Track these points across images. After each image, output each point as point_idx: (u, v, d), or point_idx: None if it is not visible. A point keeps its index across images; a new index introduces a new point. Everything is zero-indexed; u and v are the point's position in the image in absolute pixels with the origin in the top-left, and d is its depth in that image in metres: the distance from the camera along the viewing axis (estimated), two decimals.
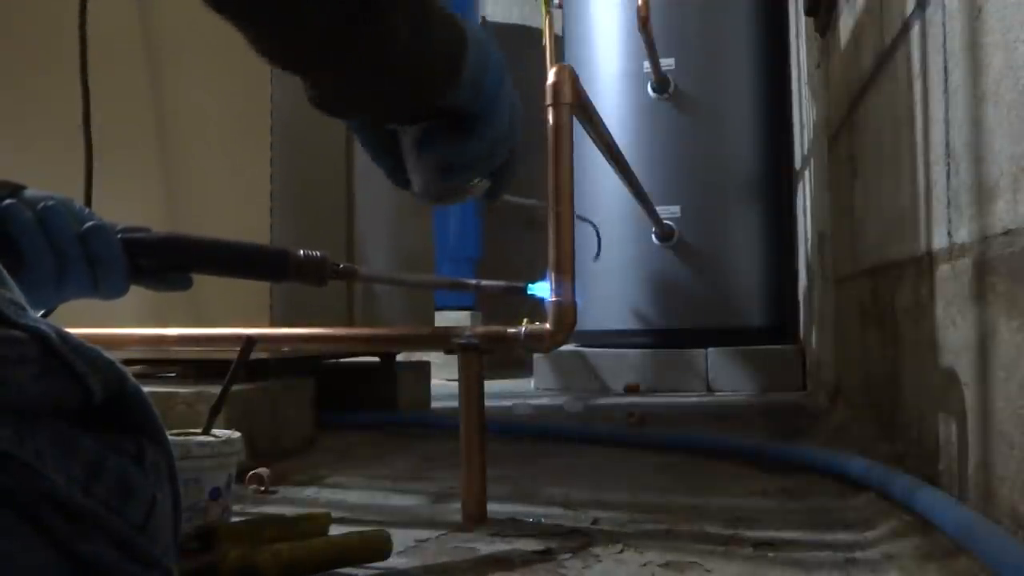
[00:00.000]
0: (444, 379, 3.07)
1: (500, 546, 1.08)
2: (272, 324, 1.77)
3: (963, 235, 1.03)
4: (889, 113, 1.45)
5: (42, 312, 0.79)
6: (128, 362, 1.44)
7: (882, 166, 1.53)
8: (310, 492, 1.43)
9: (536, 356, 3.38)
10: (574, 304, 1.21)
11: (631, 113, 3.30)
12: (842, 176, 2.00)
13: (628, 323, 3.31)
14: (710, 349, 3.17)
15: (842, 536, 1.11)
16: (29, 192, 0.76)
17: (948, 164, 1.09)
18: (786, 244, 3.40)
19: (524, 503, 1.32)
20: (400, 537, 1.06)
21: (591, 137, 1.59)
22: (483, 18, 4.94)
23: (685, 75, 3.28)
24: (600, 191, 3.18)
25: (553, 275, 1.20)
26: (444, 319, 3.76)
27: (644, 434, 2.01)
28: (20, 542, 0.44)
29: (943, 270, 1.12)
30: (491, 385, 1.61)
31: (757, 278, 3.33)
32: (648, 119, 3.31)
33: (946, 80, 1.08)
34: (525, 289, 1.12)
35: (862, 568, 0.97)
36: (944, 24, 1.08)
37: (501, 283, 1.11)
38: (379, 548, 0.98)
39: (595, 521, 1.21)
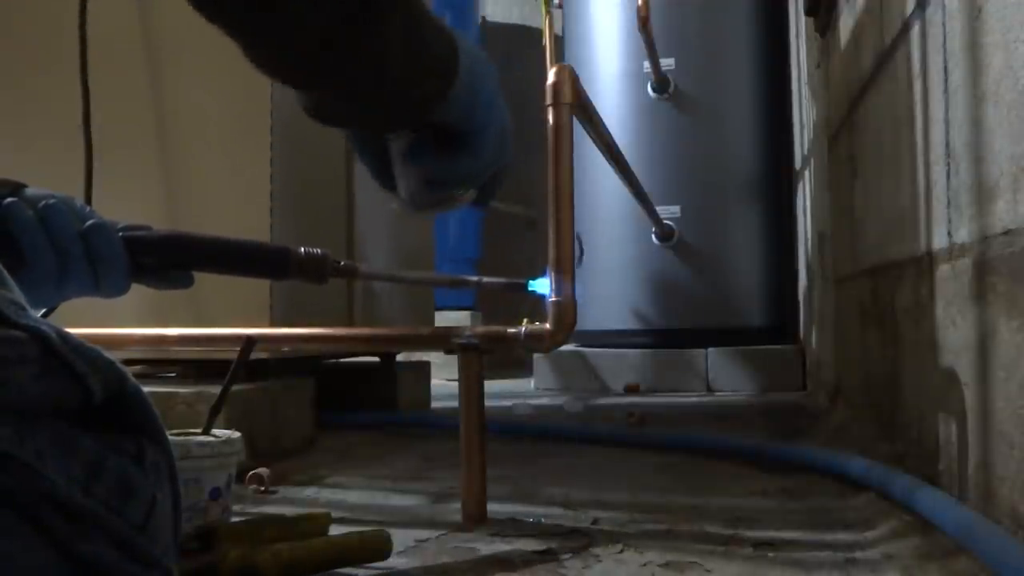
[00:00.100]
0: (444, 379, 3.07)
1: (500, 546, 1.08)
2: (272, 324, 1.77)
3: (963, 235, 1.03)
4: (889, 113, 1.45)
5: (43, 311, 0.79)
6: (128, 362, 1.44)
7: (882, 166, 1.53)
8: (310, 492, 1.43)
9: (536, 356, 3.38)
10: (574, 304, 1.21)
11: (631, 113, 3.30)
12: (842, 176, 2.00)
13: (628, 323, 3.31)
14: (710, 349, 3.17)
15: (842, 536, 1.11)
16: (30, 191, 0.76)
17: (948, 164, 1.09)
18: (786, 244, 3.40)
19: (524, 503, 1.32)
20: (400, 537, 1.06)
21: (591, 137, 1.59)
22: (483, 18, 4.94)
23: (685, 75, 3.28)
24: (600, 191, 3.18)
25: (553, 275, 1.20)
26: (444, 319, 3.76)
27: (644, 434, 2.01)
28: (20, 542, 0.44)
29: (943, 270, 1.12)
30: (491, 385, 1.61)
31: (757, 278, 3.33)
32: (648, 119, 3.31)
33: (946, 80, 1.08)
34: (526, 286, 1.12)
35: (862, 568, 0.97)
36: (944, 24, 1.08)
37: (502, 280, 1.11)
38: (379, 548, 0.98)
39: (595, 521, 1.21)
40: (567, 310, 1.20)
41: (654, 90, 3.29)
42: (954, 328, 1.07)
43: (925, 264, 1.21)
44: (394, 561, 0.99)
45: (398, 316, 2.41)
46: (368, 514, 1.27)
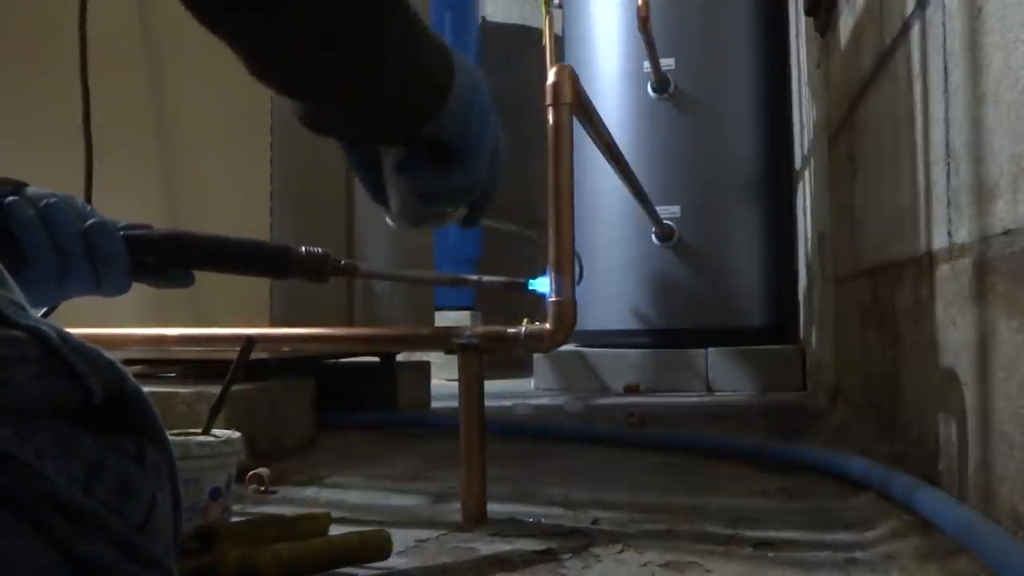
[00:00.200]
0: (444, 379, 3.07)
1: (500, 546, 1.08)
2: (272, 324, 1.77)
3: (963, 235, 1.03)
4: (889, 113, 1.45)
5: (44, 310, 0.79)
6: (128, 362, 1.44)
7: (882, 166, 1.53)
8: (310, 492, 1.43)
9: (536, 356, 3.38)
10: (574, 304, 1.21)
11: (631, 113, 3.30)
12: (842, 176, 2.00)
13: (628, 323, 3.31)
14: (710, 349, 3.17)
15: (842, 536, 1.11)
16: (31, 189, 0.76)
17: (948, 164, 1.09)
18: (786, 244, 3.40)
19: (524, 503, 1.32)
20: (400, 537, 1.06)
21: (591, 137, 1.59)
22: (483, 18, 4.94)
23: (685, 75, 3.28)
24: (600, 191, 3.18)
25: (553, 275, 1.20)
26: (444, 319, 3.76)
27: (644, 434, 2.01)
28: (20, 542, 0.44)
29: (943, 270, 1.12)
30: (491, 385, 1.61)
31: (757, 278, 3.33)
32: (648, 119, 3.31)
33: (946, 80, 1.08)
34: (526, 285, 1.12)
35: (862, 568, 0.97)
36: (944, 24, 1.08)
37: (501, 279, 1.11)
38: (379, 548, 0.98)
39: (595, 521, 1.20)
40: (567, 310, 1.21)
41: (654, 90, 3.29)
42: (954, 328, 1.07)
43: (925, 264, 1.21)
44: (394, 561, 0.99)
45: (398, 316, 2.41)
46: (368, 514, 1.27)
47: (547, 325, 1.21)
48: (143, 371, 1.87)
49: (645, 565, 0.99)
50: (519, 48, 5.04)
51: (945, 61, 1.08)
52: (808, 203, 2.88)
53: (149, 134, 1.86)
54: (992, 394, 0.93)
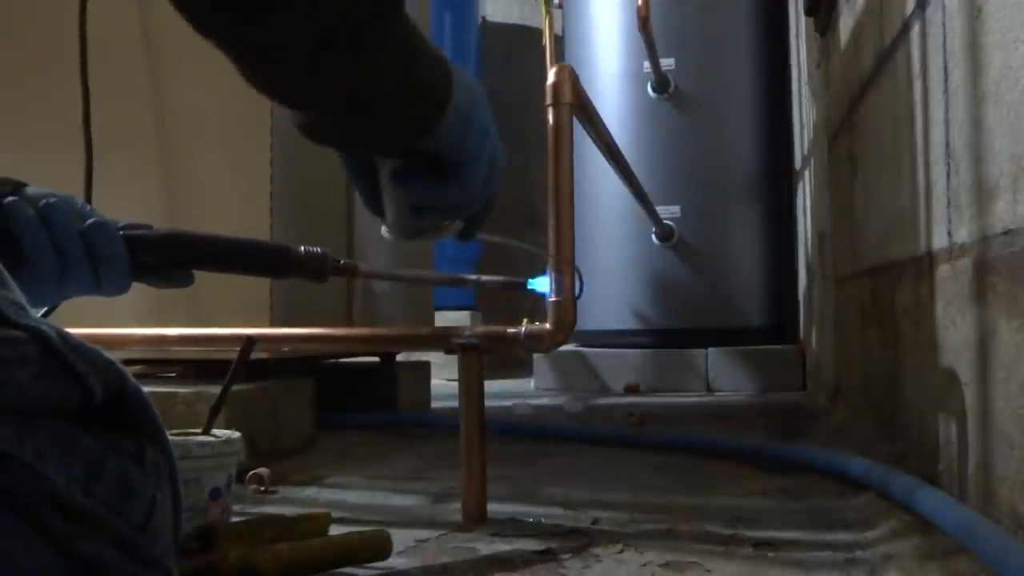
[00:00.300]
0: (444, 379, 3.07)
1: (500, 546, 1.08)
2: (272, 324, 1.77)
3: (963, 235, 1.03)
4: (889, 113, 1.45)
5: (44, 310, 0.79)
6: (128, 362, 1.44)
7: (882, 166, 1.53)
8: (310, 492, 1.43)
9: (536, 356, 3.38)
10: (574, 304, 1.21)
11: (631, 113, 3.30)
12: (842, 176, 2.00)
13: (628, 323, 3.31)
14: (710, 349, 3.17)
15: (842, 536, 1.11)
16: (31, 189, 0.76)
17: (948, 164, 1.09)
18: (786, 244, 3.40)
19: (524, 503, 1.32)
20: (400, 537, 1.06)
21: (591, 137, 1.59)
22: (483, 18, 4.94)
23: (685, 75, 3.28)
24: (600, 191, 3.18)
25: (553, 275, 1.20)
26: (444, 319, 3.75)
27: (644, 434, 2.01)
28: (20, 542, 0.44)
29: (943, 270, 1.12)
30: (491, 385, 1.61)
31: (757, 278, 3.33)
32: (648, 119, 3.31)
33: (946, 80, 1.08)
34: (525, 284, 1.12)
35: (862, 568, 0.97)
36: (944, 24, 1.08)
37: (501, 278, 1.11)
38: (379, 548, 0.98)
39: (595, 521, 1.20)
40: (567, 310, 1.21)
41: (654, 90, 3.29)
42: (954, 328, 1.07)
43: (925, 264, 1.21)
44: (394, 561, 0.99)
45: (398, 316, 2.41)
46: (368, 514, 1.27)
47: (547, 325, 1.21)
48: (143, 371, 1.88)
49: (645, 565, 0.99)
50: (519, 48, 5.04)
51: (945, 61, 1.08)
52: (808, 203, 2.88)
53: (149, 134, 1.86)
54: (992, 394, 0.93)
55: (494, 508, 1.22)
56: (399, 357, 2.51)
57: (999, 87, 0.89)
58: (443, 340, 1.59)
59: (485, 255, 4.51)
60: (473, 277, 1.11)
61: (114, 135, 1.72)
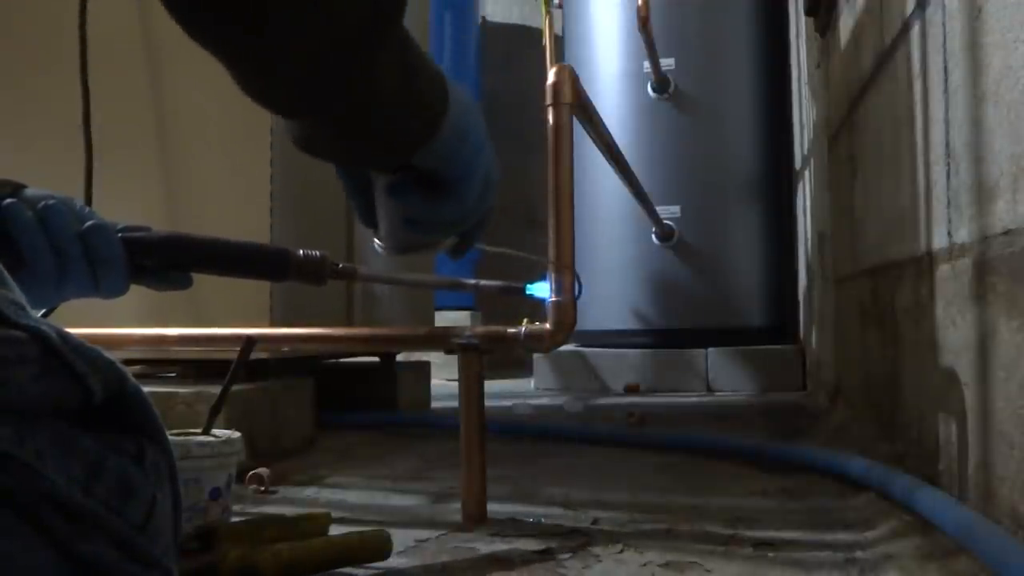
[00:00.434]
0: (444, 379, 3.07)
1: (500, 546, 1.08)
2: (272, 324, 1.77)
3: (963, 235, 1.03)
4: (889, 113, 1.45)
5: (43, 311, 0.78)
6: (128, 362, 1.44)
7: (882, 166, 1.53)
8: (310, 492, 1.43)
9: (536, 356, 3.38)
10: (574, 304, 1.21)
11: (631, 113, 3.30)
12: (842, 176, 2.00)
13: (628, 323, 3.31)
14: (710, 349, 3.17)
15: (842, 536, 1.11)
16: (30, 191, 0.76)
17: (948, 164, 1.09)
18: (786, 244, 3.40)
19: (524, 503, 1.32)
20: (400, 537, 1.06)
21: (591, 137, 1.59)
22: (483, 18, 4.94)
23: (685, 75, 3.28)
24: (600, 191, 3.18)
25: (553, 275, 1.20)
26: (444, 319, 3.76)
27: (644, 434, 2.01)
28: (20, 542, 0.44)
29: (943, 270, 1.12)
30: (491, 385, 1.61)
31: (757, 278, 3.33)
32: (648, 119, 3.31)
33: (946, 80, 1.08)
34: (524, 289, 1.12)
35: (862, 568, 0.97)
36: (944, 24, 1.08)
37: (500, 283, 1.11)
38: (379, 548, 0.98)
39: (595, 521, 1.20)
40: (567, 310, 1.21)
41: (654, 90, 3.29)
42: (954, 328, 1.07)
43: (925, 264, 1.21)
44: (394, 561, 1.00)
45: (398, 316, 2.41)
46: (368, 514, 1.27)
47: (547, 325, 1.21)
48: (143, 371, 1.88)
49: (645, 565, 0.99)
50: (519, 48, 5.05)
51: (945, 61, 1.09)
52: (808, 203, 2.88)
53: (149, 134, 1.85)
54: (992, 394, 0.93)
55: (494, 508, 1.22)
56: (399, 357, 2.51)
57: (999, 87, 0.89)
58: (443, 340, 1.59)
59: (485, 258, 4.51)
60: (472, 282, 1.11)
61: (114, 135, 1.72)
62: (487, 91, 4.70)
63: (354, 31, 0.56)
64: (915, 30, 1.23)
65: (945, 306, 1.11)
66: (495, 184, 0.73)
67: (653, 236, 3.23)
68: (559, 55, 3.61)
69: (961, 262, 1.04)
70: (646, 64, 3.15)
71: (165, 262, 0.81)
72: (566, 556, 1.03)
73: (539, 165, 1.35)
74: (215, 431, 1.11)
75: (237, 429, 1.14)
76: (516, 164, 4.11)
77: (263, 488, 1.41)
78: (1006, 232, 0.88)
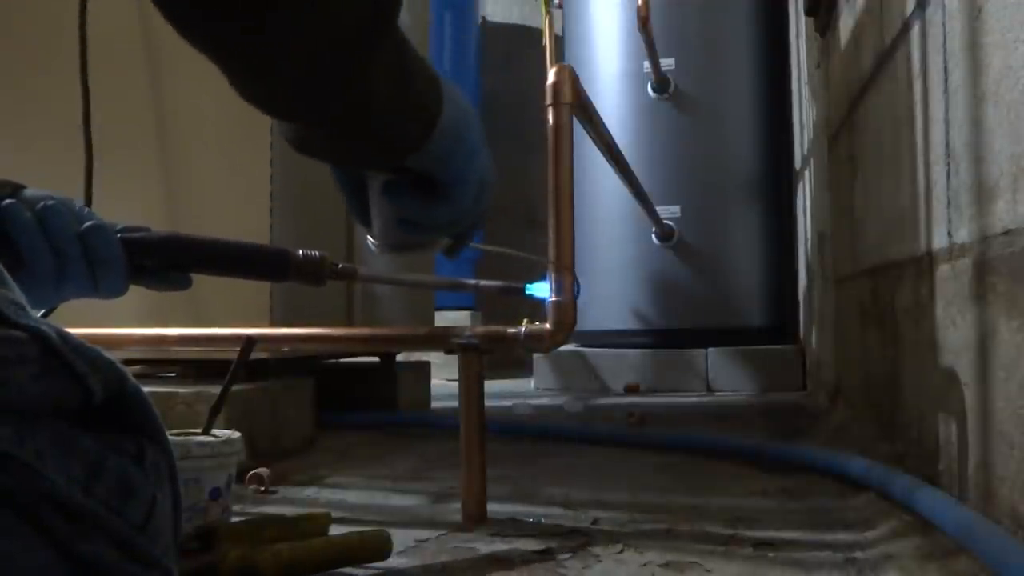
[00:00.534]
0: (444, 379, 3.07)
1: (500, 546, 1.08)
2: (272, 324, 1.77)
3: (963, 235, 1.03)
4: (889, 113, 1.45)
5: (42, 312, 0.78)
6: (128, 362, 1.44)
7: (882, 166, 1.53)
8: (310, 492, 1.43)
9: (536, 356, 3.38)
10: (574, 304, 1.21)
11: (631, 113, 3.30)
12: (842, 176, 2.00)
13: (628, 323, 3.31)
14: (710, 349, 3.17)
15: (842, 536, 1.11)
16: (29, 192, 0.76)
17: (948, 164, 1.09)
18: (786, 244, 3.40)
19: (524, 503, 1.32)
20: (400, 537, 1.06)
21: (591, 137, 1.59)
22: (483, 18, 4.94)
23: (685, 75, 3.28)
24: (600, 191, 3.18)
25: (553, 275, 1.20)
26: (444, 319, 3.76)
27: (644, 434, 2.01)
28: (20, 542, 0.44)
29: (943, 270, 1.12)
30: (491, 385, 1.61)
31: (757, 278, 3.33)
32: (648, 119, 3.31)
33: (946, 80, 1.08)
34: (523, 290, 1.12)
35: (862, 568, 0.97)
36: (944, 24, 1.08)
37: (499, 283, 1.11)
38: (379, 548, 0.98)
39: (595, 521, 1.21)
40: (567, 310, 1.21)
41: (654, 90, 3.29)
42: (954, 328, 1.07)
43: (925, 264, 1.21)
44: (394, 561, 1.00)
45: (398, 316, 2.41)
46: (368, 514, 1.27)
47: (547, 325, 1.21)
48: (143, 371, 1.88)
49: (645, 565, 0.99)
50: (519, 48, 5.05)
51: (945, 61, 1.09)
52: (808, 203, 2.88)
53: (149, 134, 1.86)
54: (992, 394, 0.93)
55: (494, 508, 1.22)
56: (399, 357, 2.51)
57: (999, 87, 0.89)
58: (443, 340, 1.59)
59: (485, 258, 4.51)
60: (472, 282, 1.11)
61: (114, 135, 1.72)
62: (487, 91, 4.70)
63: (352, 31, 0.56)
64: (915, 30, 1.23)
65: (945, 306, 1.11)
66: (490, 187, 0.73)
67: (653, 236, 3.23)
68: (559, 55, 3.61)
69: (961, 262, 1.04)
70: (646, 64, 3.15)
71: (164, 262, 0.81)
72: (566, 556, 1.03)
73: (539, 165, 1.35)
74: (215, 431, 1.11)
75: (237, 429, 1.14)
76: (516, 164, 4.11)
77: (263, 488, 1.41)
78: (1006, 232, 0.88)
